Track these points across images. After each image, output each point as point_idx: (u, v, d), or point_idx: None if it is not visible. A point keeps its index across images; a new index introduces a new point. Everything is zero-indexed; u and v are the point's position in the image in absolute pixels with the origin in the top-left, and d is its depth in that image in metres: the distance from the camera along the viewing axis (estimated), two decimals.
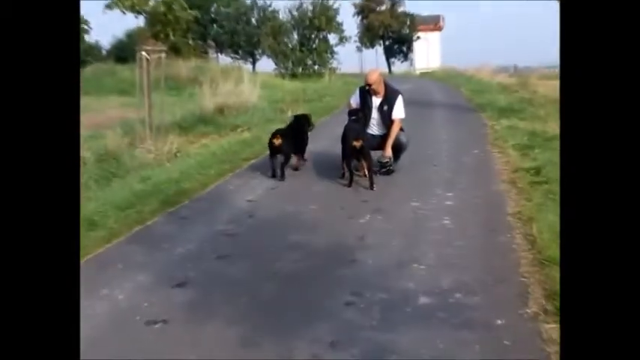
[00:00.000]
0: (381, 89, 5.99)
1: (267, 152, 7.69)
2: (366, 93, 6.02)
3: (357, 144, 5.44)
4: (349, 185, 5.54)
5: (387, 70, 41.42)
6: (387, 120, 5.99)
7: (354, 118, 5.94)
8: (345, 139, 5.67)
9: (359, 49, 41.69)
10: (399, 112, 6.00)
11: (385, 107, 5.98)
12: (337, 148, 6.15)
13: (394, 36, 42.30)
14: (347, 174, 5.72)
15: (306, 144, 6.52)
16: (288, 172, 6.30)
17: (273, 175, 6.07)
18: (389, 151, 5.93)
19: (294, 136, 6.35)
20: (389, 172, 5.98)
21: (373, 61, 42.18)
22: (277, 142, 6.14)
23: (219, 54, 36.54)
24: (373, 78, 5.93)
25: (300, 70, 28.02)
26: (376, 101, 6.02)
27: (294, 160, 6.44)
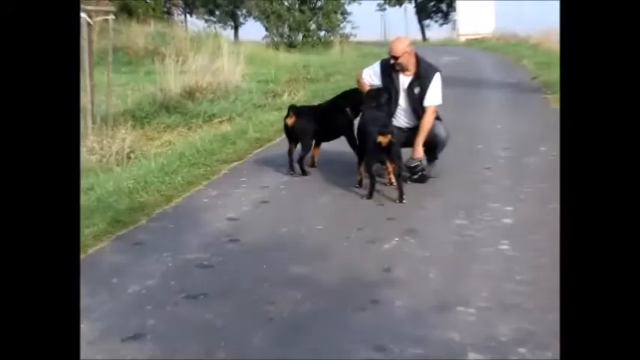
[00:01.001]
0: (412, 64, 6.00)
1: (256, 151, 7.75)
2: (390, 69, 6.03)
3: (383, 140, 5.42)
4: (369, 196, 5.56)
5: (419, 36, 41.51)
6: (418, 107, 6.01)
7: (374, 103, 5.95)
8: (365, 133, 5.67)
9: (381, 9, 41.87)
10: (434, 96, 6.01)
11: (416, 89, 5.99)
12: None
13: None
14: (366, 181, 5.75)
15: (342, 134, 6.62)
16: (283, 178, 6.31)
17: (292, 168, 6.44)
18: (420, 151, 5.94)
19: (321, 119, 6.51)
20: (422, 179, 5.99)
21: (401, 25, 42.32)
22: (290, 121, 6.42)
23: (187, 16, 36.75)
24: (401, 48, 5.93)
25: (301, 37, 28.12)
26: (404, 81, 6.03)
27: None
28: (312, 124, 6.49)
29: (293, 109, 6.59)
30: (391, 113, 6.04)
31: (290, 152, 6.49)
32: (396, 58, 5.92)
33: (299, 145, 6.51)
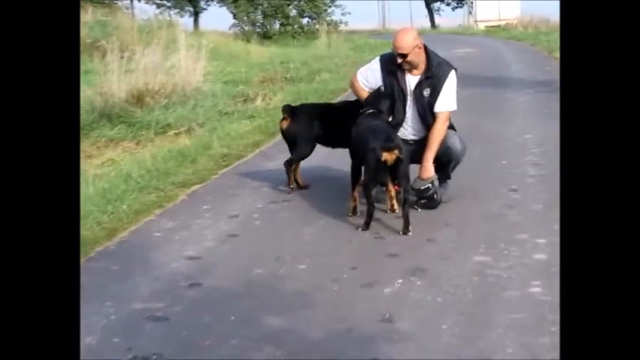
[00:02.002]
0: (422, 62, 6.03)
1: (221, 171, 7.76)
2: (394, 68, 6.05)
3: (389, 158, 5.41)
4: (366, 227, 5.58)
5: (427, 23, 41.79)
6: (427, 114, 6.05)
7: (370, 111, 5.98)
8: (362, 147, 5.65)
9: None
10: (448, 100, 6.05)
11: (426, 92, 6.03)
12: (342, 162, 6.16)
13: None
14: (362, 207, 5.78)
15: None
16: (256, 204, 6.31)
17: (297, 184, 6.72)
18: (430, 170, 5.96)
19: (330, 121, 6.64)
20: (432, 204, 6.04)
21: (404, 11, 42.55)
22: (284, 124, 6.70)
23: (135, 0, 36.84)
24: (409, 43, 5.91)
25: (278, 26, 28.25)
26: (411, 81, 6.07)
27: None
28: (312, 126, 6.63)
29: (287, 110, 6.76)
30: (398, 123, 6.09)
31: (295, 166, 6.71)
32: (402, 54, 5.91)
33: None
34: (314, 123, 6.64)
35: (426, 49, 6.05)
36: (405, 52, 5.88)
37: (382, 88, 6.10)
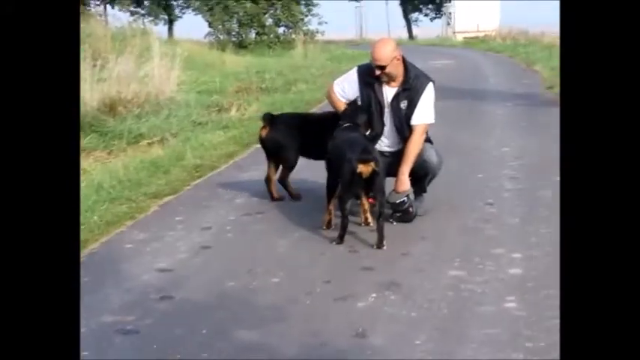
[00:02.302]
0: (400, 73, 6.06)
1: (195, 182, 7.75)
2: (371, 79, 6.08)
3: (365, 170, 5.42)
4: (340, 241, 5.59)
5: (405, 33, 41.90)
6: (404, 126, 6.08)
7: (348, 124, 5.99)
8: (338, 160, 5.66)
9: None
10: (425, 113, 6.08)
11: (403, 104, 6.06)
12: (318, 175, 6.16)
13: None
14: (336, 220, 5.80)
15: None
16: (229, 216, 6.31)
17: (272, 196, 6.75)
18: (405, 183, 5.99)
19: (311, 132, 6.66)
20: (407, 217, 6.06)
21: (382, 21, 42.66)
22: (263, 132, 6.69)
23: (108, 7, 36.72)
24: (387, 55, 5.94)
25: (254, 35, 28.21)
26: (388, 93, 6.10)
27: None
28: (294, 136, 6.65)
29: (268, 118, 6.76)
30: (376, 135, 6.11)
31: (268, 176, 6.74)
32: (380, 66, 5.93)
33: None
34: (294, 132, 6.66)
35: (404, 60, 6.07)
36: (383, 63, 5.90)
37: (359, 99, 6.12)
